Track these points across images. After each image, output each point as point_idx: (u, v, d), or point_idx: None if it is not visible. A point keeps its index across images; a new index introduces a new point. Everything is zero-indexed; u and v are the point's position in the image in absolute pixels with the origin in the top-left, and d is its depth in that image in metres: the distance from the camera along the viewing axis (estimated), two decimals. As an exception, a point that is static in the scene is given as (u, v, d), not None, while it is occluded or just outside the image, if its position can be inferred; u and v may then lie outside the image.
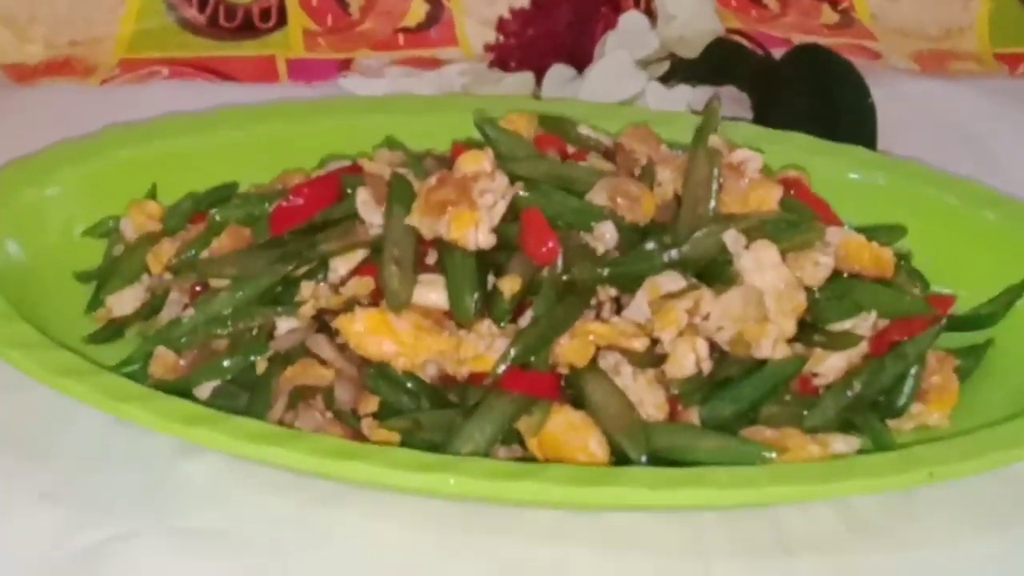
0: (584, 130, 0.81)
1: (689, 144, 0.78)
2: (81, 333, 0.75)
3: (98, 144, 0.84)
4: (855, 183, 0.87)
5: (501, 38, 1.03)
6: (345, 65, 1.08)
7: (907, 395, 0.72)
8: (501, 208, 0.71)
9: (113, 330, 0.75)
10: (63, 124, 0.98)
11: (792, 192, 0.78)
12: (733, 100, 1.01)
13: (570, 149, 0.80)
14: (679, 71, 1.00)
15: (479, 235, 0.70)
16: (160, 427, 0.63)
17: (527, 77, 0.97)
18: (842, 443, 0.69)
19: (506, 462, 0.64)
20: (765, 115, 1.00)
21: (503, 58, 1.01)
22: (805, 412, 0.70)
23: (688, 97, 0.96)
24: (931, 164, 0.97)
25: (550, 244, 0.70)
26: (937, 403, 0.73)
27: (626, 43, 0.98)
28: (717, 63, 1.02)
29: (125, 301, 0.76)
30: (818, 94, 1.01)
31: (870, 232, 0.79)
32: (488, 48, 1.04)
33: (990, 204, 0.84)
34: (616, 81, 0.96)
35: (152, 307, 0.75)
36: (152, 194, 0.82)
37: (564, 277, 0.70)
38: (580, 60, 0.99)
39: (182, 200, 0.80)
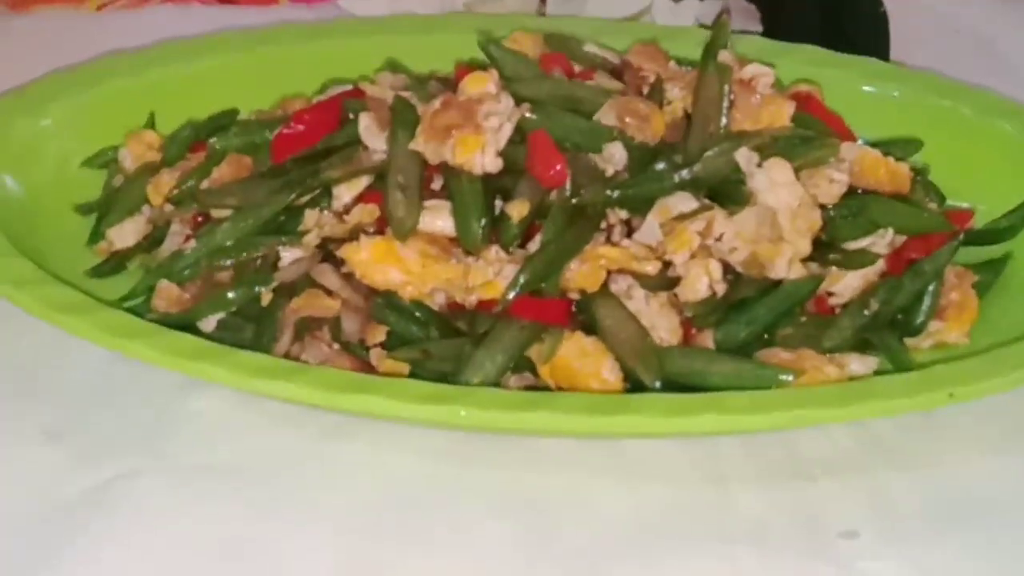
0: (590, 48, 0.79)
1: (699, 61, 0.76)
2: (82, 266, 0.74)
3: (93, 73, 0.82)
4: (868, 95, 0.85)
5: (505, -48, 1.01)
6: (347, -14, 1.06)
7: (925, 313, 0.70)
8: (507, 130, 0.69)
9: (115, 263, 0.74)
10: (59, 51, 0.97)
11: (805, 107, 0.76)
12: (742, 12, 0.98)
13: (576, 68, 0.78)
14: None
15: (485, 159, 0.68)
16: (164, 363, 0.62)
17: (531, -7, 0.96)
18: (859, 363, 0.68)
19: (518, 392, 0.63)
20: (774, 27, 0.98)
21: (506, -23, 0.99)
22: (822, 333, 0.68)
23: (696, 11, 0.94)
24: (945, 73, 0.95)
25: (558, 167, 0.68)
26: (956, 320, 0.71)
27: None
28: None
29: (126, 233, 0.74)
30: (829, 3, 0.98)
31: (885, 146, 0.78)
32: (490, -36, 1.03)
33: (1007, 115, 0.82)
34: (623, -6, 0.94)
35: (154, 238, 0.74)
36: (150, 123, 0.81)
37: (573, 200, 0.68)
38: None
39: (181, 129, 0.78)
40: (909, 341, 0.71)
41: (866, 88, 0.85)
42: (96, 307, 0.65)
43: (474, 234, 0.67)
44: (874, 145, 0.78)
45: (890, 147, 0.78)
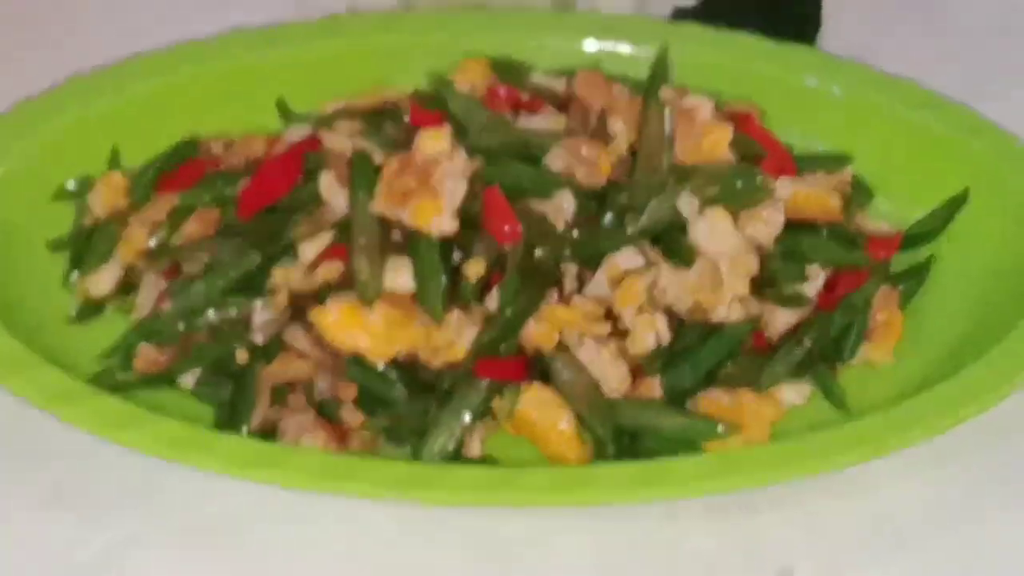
0: (538, 78, 0.83)
1: (641, 82, 0.81)
2: (60, 308, 0.78)
3: (54, 103, 0.85)
4: (801, 88, 0.88)
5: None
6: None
7: (854, 342, 0.76)
8: (462, 189, 0.73)
9: (93, 308, 0.78)
10: (11, 29, 1.01)
11: (743, 128, 0.80)
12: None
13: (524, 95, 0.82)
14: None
15: (442, 223, 0.72)
16: (153, 452, 0.66)
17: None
18: (793, 392, 0.74)
19: (482, 470, 0.68)
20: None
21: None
22: (759, 370, 0.74)
23: (636, -13, 0.97)
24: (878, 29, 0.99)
25: (512, 226, 0.73)
26: (882, 341, 0.77)
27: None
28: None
29: (102, 281, 0.78)
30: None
31: (816, 161, 0.83)
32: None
33: (934, 109, 0.86)
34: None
35: (129, 284, 0.78)
36: (115, 160, 0.84)
37: (528, 259, 0.73)
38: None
39: (144, 169, 0.81)
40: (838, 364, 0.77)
41: (799, 80, 0.89)
42: (86, 393, 0.69)
43: (435, 302, 0.71)
44: (805, 159, 0.82)
45: (822, 162, 0.82)
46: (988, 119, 0.85)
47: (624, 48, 0.90)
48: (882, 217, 0.83)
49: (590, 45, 0.90)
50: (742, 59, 0.89)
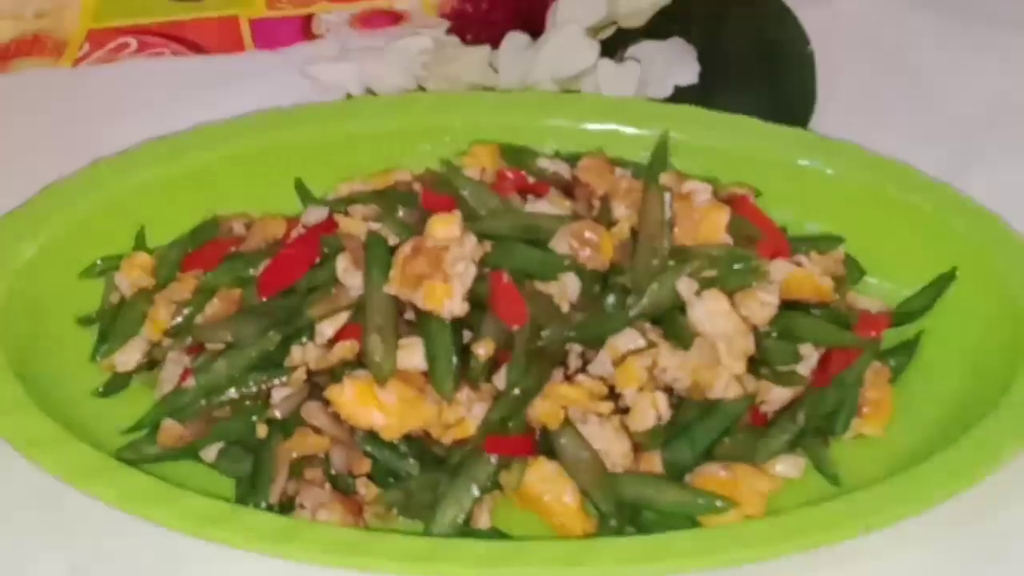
0: (544, 163, 0.86)
1: (642, 165, 0.85)
2: (88, 382, 0.82)
3: (82, 184, 0.88)
4: (795, 168, 0.92)
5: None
6: (307, 23, 1.12)
7: (846, 417, 0.79)
8: (472, 272, 0.76)
9: (119, 382, 0.82)
10: (41, 110, 1.04)
11: (739, 210, 0.84)
12: (681, 53, 1.05)
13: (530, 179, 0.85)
14: (627, 33, 1.04)
15: (453, 305, 0.76)
16: (177, 527, 0.70)
17: (484, 51, 1.01)
18: (788, 466, 0.78)
19: (490, 545, 0.71)
20: (711, 66, 1.04)
21: (460, 29, 1.06)
22: (755, 445, 0.77)
23: (638, 75, 1.00)
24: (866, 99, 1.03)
25: (519, 309, 0.76)
26: (873, 416, 0.80)
27: (577, 9, 1.01)
28: (662, 15, 1.06)
29: (128, 357, 0.82)
30: (762, 44, 1.05)
31: (809, 242, 0.86)
32: (443, 14, 1.09)
33: (923, 191, 0.89)
34: (569, 55, 1.00)
35: (154, 359, 0.82)
36: (140, 241, 0.87)
37: (535, 339, 0.76)
38: (534, 26, 1.03)
39: (168, 249, 0.86)
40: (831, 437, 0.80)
41: (794, 161, 0.92)
42: (112, 469, 0.72)
43: (445, 382, 0.75)
44: (799, 240, 0.86)
45: (814, 242, 0.86)
46: (974, 200, 0.89)
47: (627, 130, 0.93)
48: (873, 294, 0.87)
49: (594, 127, 0.94)
50: (738, 140, 0.92)
